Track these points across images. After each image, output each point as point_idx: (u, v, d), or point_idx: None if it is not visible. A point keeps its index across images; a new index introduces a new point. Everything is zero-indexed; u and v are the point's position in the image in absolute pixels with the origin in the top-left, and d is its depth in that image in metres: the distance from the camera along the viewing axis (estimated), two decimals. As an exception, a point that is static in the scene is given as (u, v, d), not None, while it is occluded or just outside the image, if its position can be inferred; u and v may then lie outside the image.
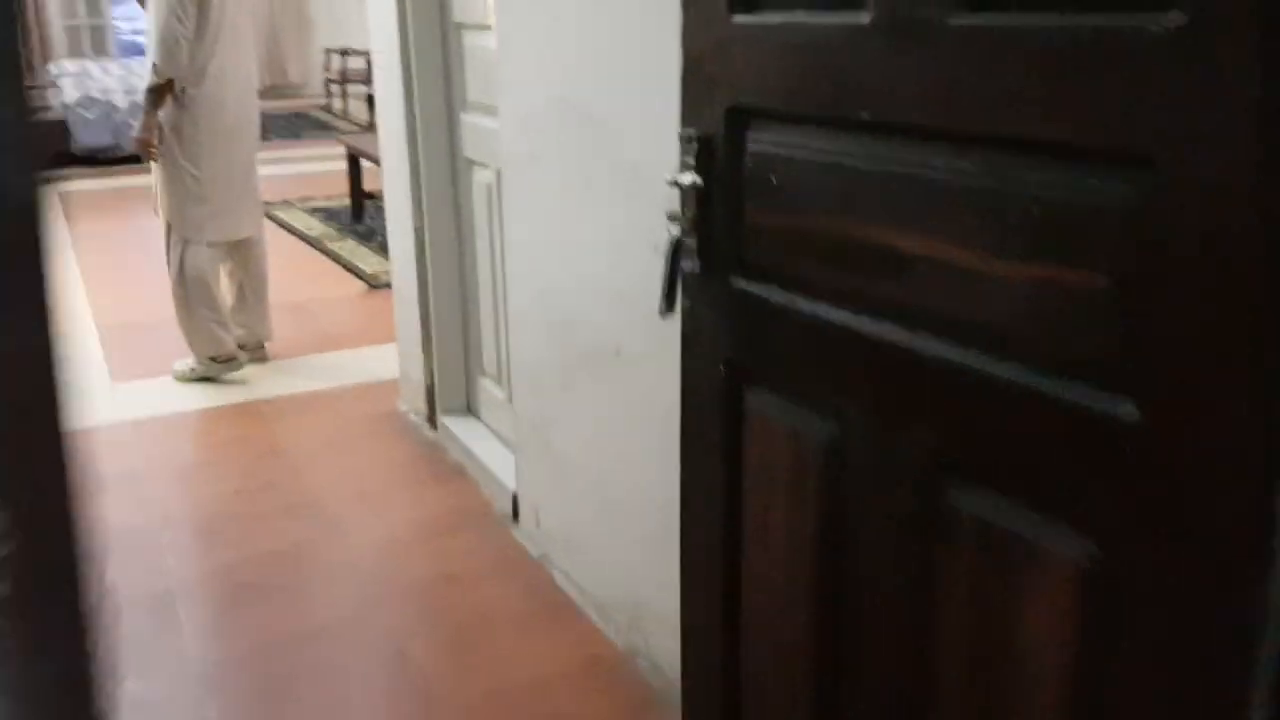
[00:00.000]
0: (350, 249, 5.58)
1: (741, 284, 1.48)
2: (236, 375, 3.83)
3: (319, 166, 8.01)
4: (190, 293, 3.71)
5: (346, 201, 6.39)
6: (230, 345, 3.82)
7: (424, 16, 2.96)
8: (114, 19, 11.66)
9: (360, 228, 6.04)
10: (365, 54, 10.72)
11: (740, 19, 1.41)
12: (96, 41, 11.41)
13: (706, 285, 1.55)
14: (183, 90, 3.56)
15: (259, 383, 3.80)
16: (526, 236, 2.41)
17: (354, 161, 6.21)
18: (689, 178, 1.53)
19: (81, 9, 11.34)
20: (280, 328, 4.20)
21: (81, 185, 7.39)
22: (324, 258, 5.48)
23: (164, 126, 3.59)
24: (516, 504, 2.67)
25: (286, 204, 6.72)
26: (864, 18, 1.21)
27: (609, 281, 2.09)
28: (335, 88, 11.25)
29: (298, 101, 12.00)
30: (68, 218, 6.54)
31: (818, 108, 1.31)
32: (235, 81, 3.67)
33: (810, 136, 1.34)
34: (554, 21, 2.15)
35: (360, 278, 5.07)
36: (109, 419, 3.44)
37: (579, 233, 2.17)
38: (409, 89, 3.02)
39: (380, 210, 6.32)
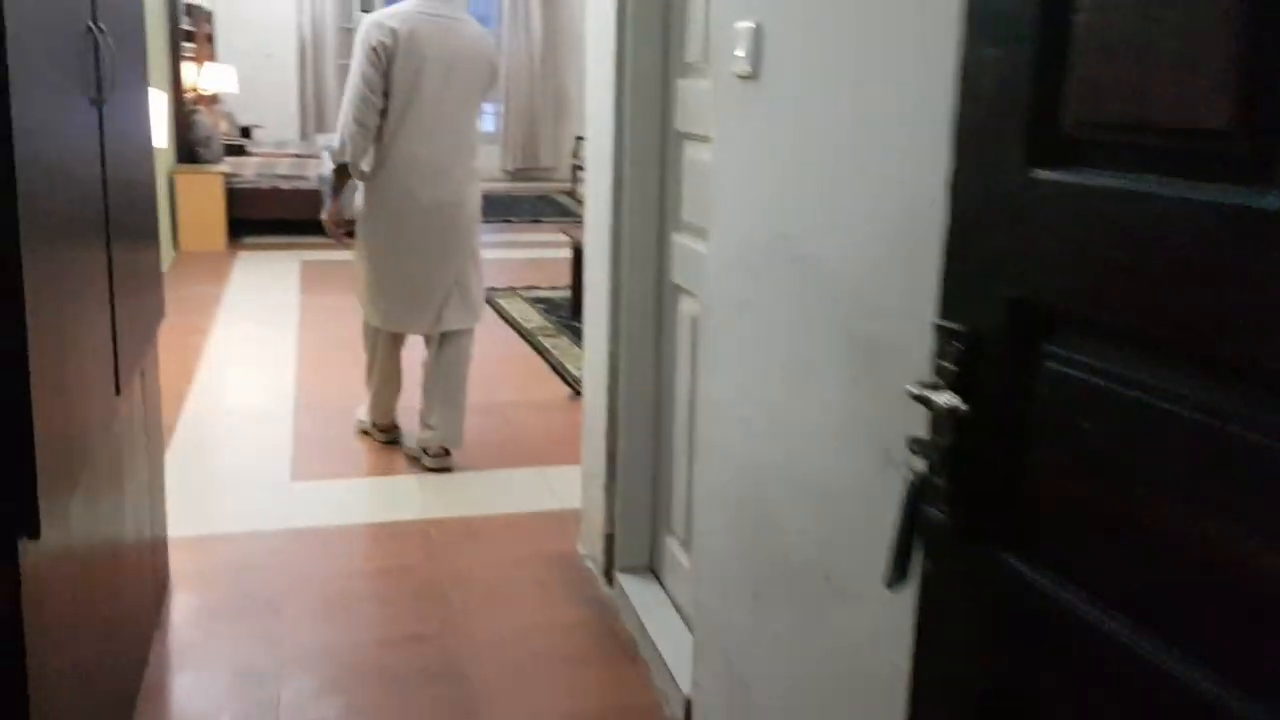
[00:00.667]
0: (563, 348, 5.31)
1: (1017, 566, 0.97)
2: (413, 487, 3.56)
3: (550, 253, 7.91)
4: (372, 359, 3.80)
5: (569, 293, 6.18)
6: (388, 419, 3.88)
7: (643, 120, 2.60)
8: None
9: (577, 324, 5.78)
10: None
11: (1044, 175, 0.92)
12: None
13: (960, 554, 1.05)
14: (365, 174, 3.44)
15: (436, 496, 3.50)
16: (724, 396, 1.96)
17: (578, 252, 5.99)
18: (945, 396, 1.04)
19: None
20: (472, 431, 3.92)
21: (324, 256, 7.54)
22: (535, 355, 5.23)
23: (354, 209, 3.58)
24: (690, 713, 2.19)
25: (510, 291, 6.58)
26: (1272, 201, 0.71)
27: (822, 484, 1.60)
28: (580, 172, 11.33)
29: (545, 185, 12.18)
30: (303, 288, 6.64)
31: (1175, 330, 0.80)
32: (427, 170, 3.45)
33: (1158, 372, 0.82)
34: (779, 138, 1.72)
35: (567, 382, 4.77)
36: (274, 524, 3.21)
37: (788, 410, 1.70)
38: (617, 199, 2.65)
39: (601, 306, 6.11)
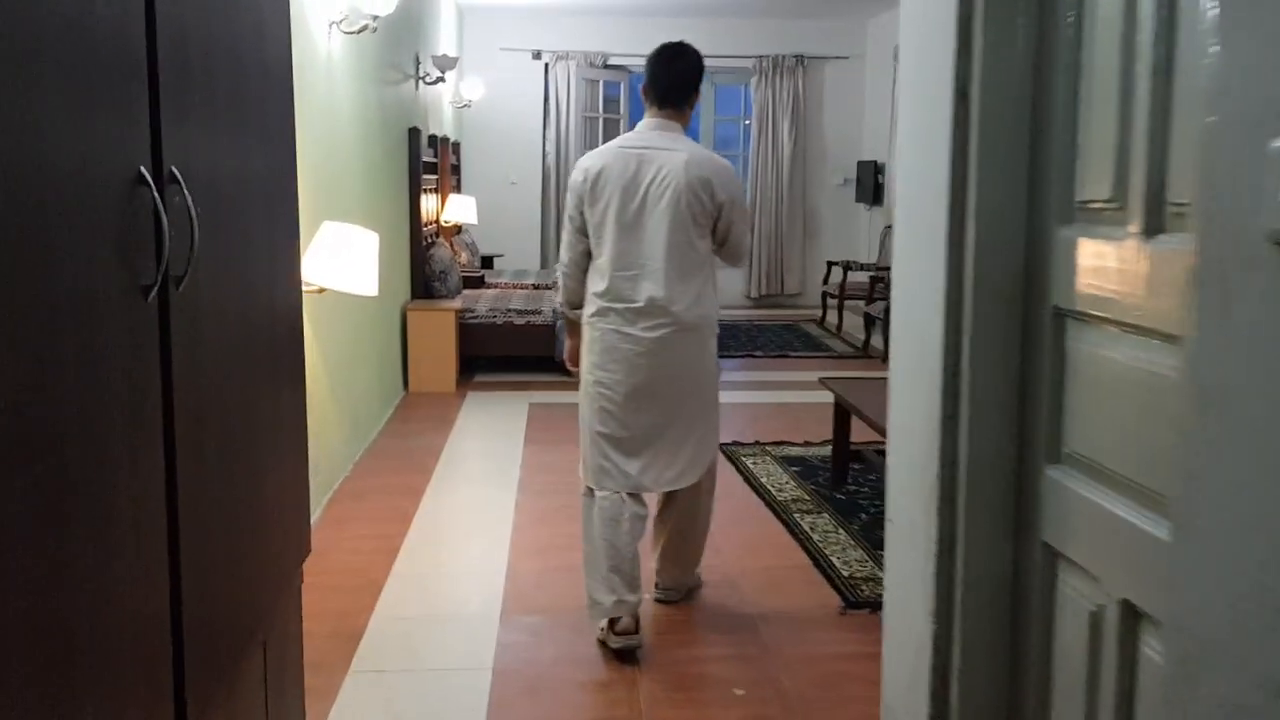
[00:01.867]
0: (824, 530, 4.33)
1: None
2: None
3: (801, 396, 6.98)
4: (585, 538, 3.33)
5: (829, 450, 5.23)
6: (616, 611, 3.16)
7: (993, 289, 1.68)
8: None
9: (841, 496, 4.81)
10: (869, 267, 9.79)
11: None
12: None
13: None
14: (578, 315, 3.41)
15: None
16: None
17: (840, 407, 5.06)
18: None
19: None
20: (715, 657, 3.03)
21: (552, 398, 6.93)
22: (791, 541, 4.26)
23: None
24: None
25: (758, 448, 5.68)
26: None
27: None
28: (831, 300, 10.42)
29: (791, 312, 11.35)
30: (528, 438, 6.00)
31: None
32: (624, 310, 3.25)
33: None
34: None
35: (834, 584, 3.77)
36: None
37: None
38: (950, 410, 1.72)
39: (871, 474, 5.09)
